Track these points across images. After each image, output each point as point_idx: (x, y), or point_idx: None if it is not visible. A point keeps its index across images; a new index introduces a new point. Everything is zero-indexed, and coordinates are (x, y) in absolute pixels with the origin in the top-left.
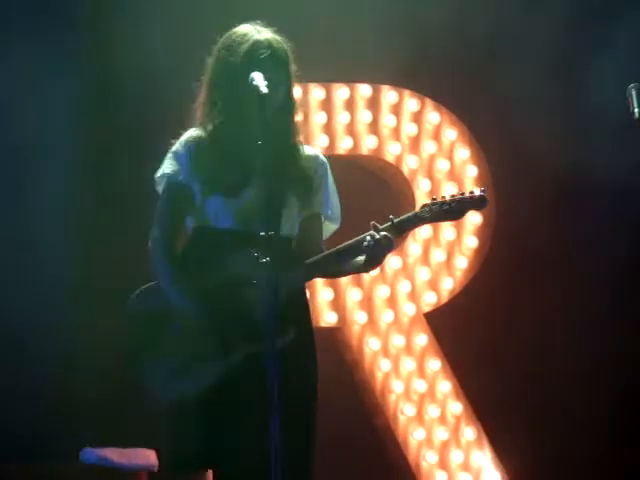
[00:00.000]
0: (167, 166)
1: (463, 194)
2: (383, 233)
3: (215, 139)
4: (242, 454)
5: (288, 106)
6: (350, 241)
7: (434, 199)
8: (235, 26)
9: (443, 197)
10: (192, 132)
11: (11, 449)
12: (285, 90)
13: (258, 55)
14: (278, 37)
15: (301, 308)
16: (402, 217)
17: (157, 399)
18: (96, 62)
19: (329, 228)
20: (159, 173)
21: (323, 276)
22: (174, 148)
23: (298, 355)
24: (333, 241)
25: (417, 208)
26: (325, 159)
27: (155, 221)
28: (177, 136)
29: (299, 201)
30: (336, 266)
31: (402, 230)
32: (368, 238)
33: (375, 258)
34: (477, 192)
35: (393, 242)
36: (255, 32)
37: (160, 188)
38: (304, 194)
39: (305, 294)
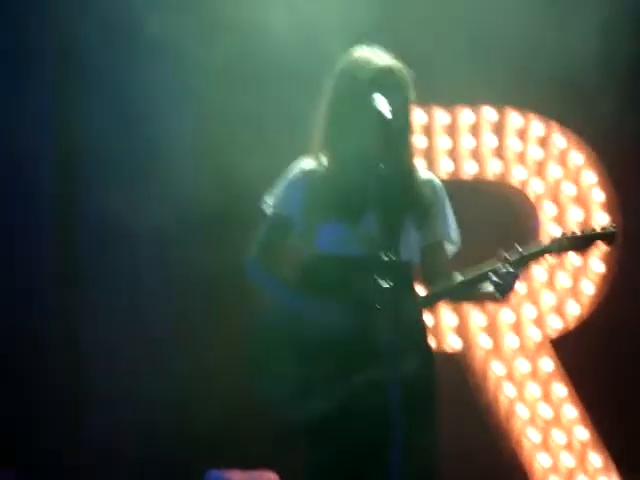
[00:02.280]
0: (276, 195)
1: (594, 229)
2: (505, 269)
3: (331, 167)
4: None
5: (406, 131)
6: (477, 272)
7: (564, 233)
8: (351, 50)
9: (573, 232)
10: (307, 163)
11: (137, 473)
12: (405, 115)
13: (382, 81)
14: (399, 63)
15: (421, 333)
16: (531, 250)
17: (281, 420)
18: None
19: (450, 250)
20: (267, 200)
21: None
22: (287, 178)
23: (419, 381)
24: (459, 267)
25: (546, 241)
26: (440, 182)
27: (255, 243)
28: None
29: (417, 227)
30: (458, 295)
31: (529, 261)
32: (493, 272)
33: (502, 289)
34: (608, 227)
35: (519, 276)
36: (377, 58)
37: (266, 210)
38: (422, 220)
39: (424, 320)
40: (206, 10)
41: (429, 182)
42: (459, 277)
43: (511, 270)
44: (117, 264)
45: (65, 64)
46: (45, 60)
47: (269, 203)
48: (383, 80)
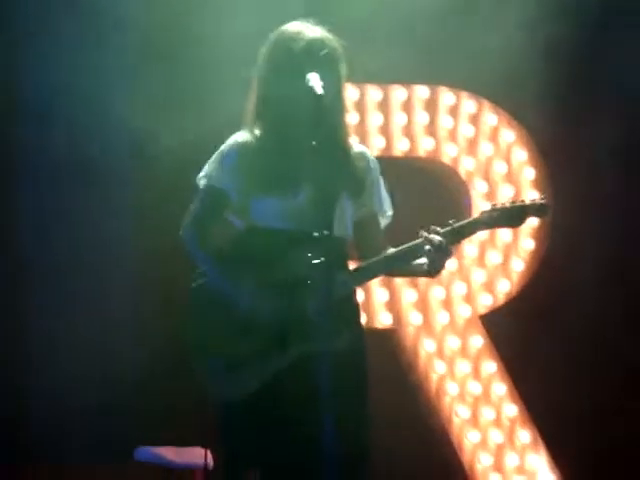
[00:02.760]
0: (209, 169)
1: (523, 201)
2: (439, 238)
3: (265, 141)
4: (291, 452)
5: (339, 105)
6: (408, 244)
7: (494, 205)
8: (284, 24)
9: (503, 204)
10: (239, 136)
11: (65, 448)
12: (337, 89)
13: (313, 53)
14: (331, 36)
15: (353, 310)
16: (462, 222)
17: (212, 396)
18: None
19: (382, 223)
20: (202, 173)
21: (379, 276)
22: (220, 151)
23: (349, 357)
24: (391, 242)
25: (476, 214)
26: (372, 155)
27: (189, 217)
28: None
29: (352, 201)
30: (391, 269)
31: (461, 235)
32: (426, 243)
33: (434, 262)
34: (538, 199)
35: (452, 248)
36: (309, 30)
37: (199, 184)
38: (356, 193)
39: (356, 296)
40: None
41: (362, 155)
42: (392, 250)
43: (442, 240)
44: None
45: None
46: None
47: (203, 177)
48: (315, 52)
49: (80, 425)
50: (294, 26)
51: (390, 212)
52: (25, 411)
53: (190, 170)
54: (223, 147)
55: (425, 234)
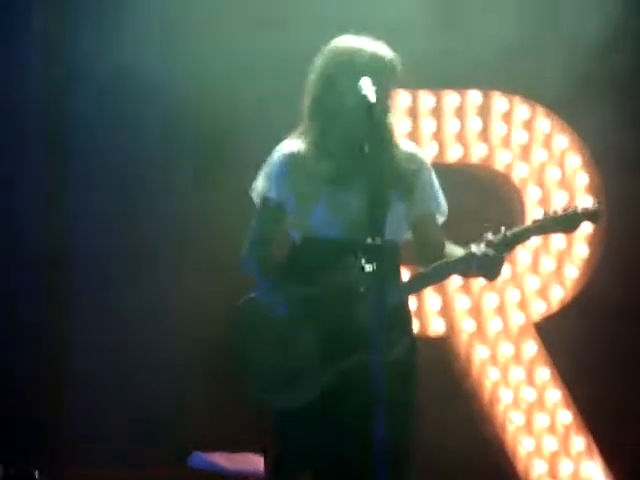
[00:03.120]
0: (260, 182)
1: (576, 208)
2: (492, 251)
3: (317, 147)
4: (343, 460)
5: (388, 110)
6: (462, 253)
7: (546, 213)
8: (335, 36)
9: (555, 211)
10: (289, 144)
11: (119, 454)
12: (387, 97)
13: (375, 62)
14: (383, 46)
15: (405, 318)
16: (514, 230)
17: (265, 406)
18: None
19: (439, 220)
20: (253, 187)
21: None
22: (269, 162)
23: (401, 366)
24: None
25: (529, 221)
26: (423, 154)
27: (248, 241)
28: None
29: (404, 203)
30: (443, 278)
31: (513, 243)
32: (478, 252)
33: (487, 271)
34: (591, 205)
35: (503, 258)
36: (361, 41)
37: (255, 200)
38: (408, 195)
39: (408, 304)
40: None
41: (413, 155)
42: (452, 247)
43: (493, 252)
44: None
45: None
46: None
47: (256, 191)
48: (371, 64)
49: (128, 428)
50: (346, 38)
51: (445, 210)
52: (72, 412)
53: None
54: (274, 157)
55: (474, 248)
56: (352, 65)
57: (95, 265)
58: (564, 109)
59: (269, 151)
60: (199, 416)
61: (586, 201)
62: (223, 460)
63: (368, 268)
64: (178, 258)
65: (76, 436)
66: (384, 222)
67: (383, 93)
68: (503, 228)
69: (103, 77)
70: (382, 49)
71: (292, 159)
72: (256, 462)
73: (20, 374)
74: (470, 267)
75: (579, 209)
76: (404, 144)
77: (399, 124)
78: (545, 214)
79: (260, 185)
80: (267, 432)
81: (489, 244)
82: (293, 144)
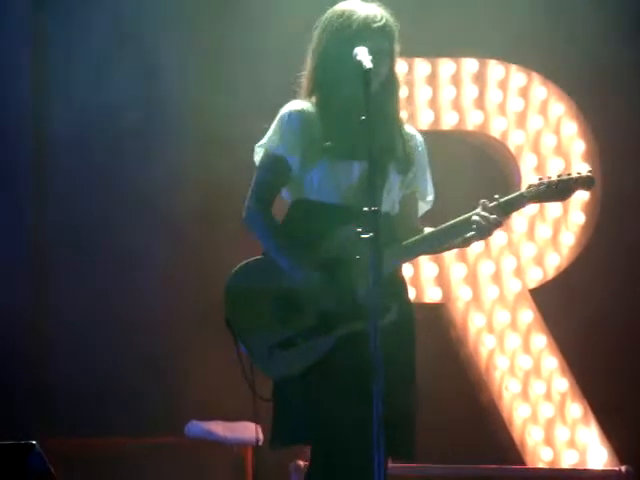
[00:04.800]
0: (268, 137)
1: (570, 174)
2: (493, 215)
3: (321, 110)
4: (342, 428)
5: (392, 81)
6: (457, 219)
7: (541, 179)
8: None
9: (549, 177)
10: (296, 103)
11: (113, 422)
12: (391, 64)
13: (370, 26)
14: (386, 10)
15: (401, 286)
16: (508, 197)
17: (262, 373)
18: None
19: (422, 208)
20: (259, 143)
21: (426, 253)
22: (276, 119)
23: (398, 330)
24: (438, 216)
25: (523, 188)
26: (422, 139)
27: (250, 192)
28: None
29: (400, 178)
30: (441, 244)
31: (508, 210)
32: (477, 218)
33: (482, 236)
34: (584, 172)
35: (502, 222)
36: (365, 5)
37: (257, 158)
38: (405, 172)
39: (402, 271)
40: None
41: (412, 137)
42: (442, 226)
43: (491, 217)
44: None
45: None
46: None
47: (263, 145)
48: (370, 26)
49: (124, 398)
50: (349, 2)
51: (431, 199)
52: (66, 384)
53: None
54: (282, 114)
55: (474, 214)
56: (356, 29)
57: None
58: (559, 76)
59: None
60: (196, 384)
61: (581, 168)
62: (220, 429)
63: (364, 235)
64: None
65: (67, 405)
66: (382, 192)
67: (386, 60)
68: (497, 195)
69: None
70: (385, 15)
71: (301, 118)
72: (253, 430)
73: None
74: (468, 230)
75: (572, 175)
76: (406, 124)
77: (403, 95)
78: (539, 180)
79: (269, 141)
80: (264, 400)
81: (484, 209)
82: (300, 104)
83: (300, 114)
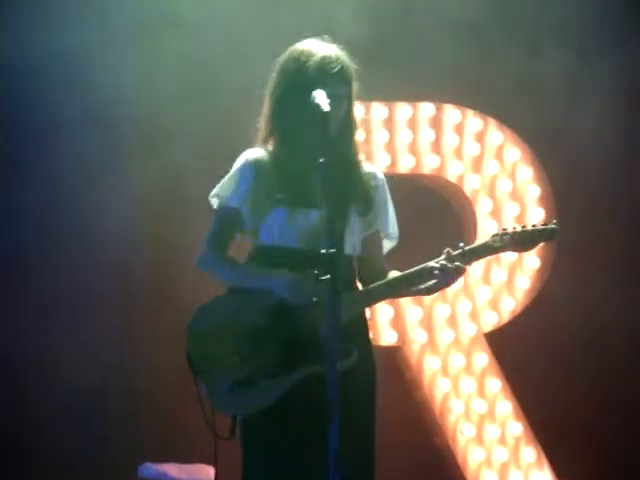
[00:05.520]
0: (221, 187)
1: (535, 226)
2: (457, 264)
3: (278, 157)
4: (298, 470)
5: (350, 124)
6: (419, 267)
7: (505, 229)
8: (297, 42)
9: (514, 228)
10: (252, 152)
11: (68, 465)
12: (348, 107)
13: (327, 70)
14: (344, 53)
15: (363, 329)
16: (473, 246)
17: (219, 413)
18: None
19: (387, 246)
20: (213, 192)
21: (390, 297)
22: (233, 169)
23: (359, 374)
24: (396, 259)
25: (487, 237)
26: (383, 176)
27: (205, 241)
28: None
29: (361, 219)
30: (402, 291)
31: (472, 259)
32: (441, 266)
33: (446, 284)
34: (549, 225)
35: (464, 270)
36: (322, 47)
37: (213, 205)
38: (366, 212)
39: (365, 314)
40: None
41: (372, 175)
42: (403, 273)
43: (454, 266)
44: None
45: None
46: None
47: (215, 195)
48: (327, 69)
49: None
50: (307, 43)
51: (396, 235)
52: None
53: None
54: (236, 165)
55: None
56: (312, 72)
57: None
58: (515, 121)
59: None
60: (150, 426)
61: (538, 215)
62: (175, 471)
63: (324, 278)
64: None
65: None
66: (343, 235)
67: (344, 103)
68: (461, 244)
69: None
70: (343, 57)
71: (256, 168)
72: (208, 473)
73: None
74: (430, 278)
75: (538, 227)
76: (365, 163)
77: (360, 137)
78: (503, 230)
79: (221, 192)
80: (223, 439)
81: (448, 258)
82: (256, 152)
83: (255, 164)
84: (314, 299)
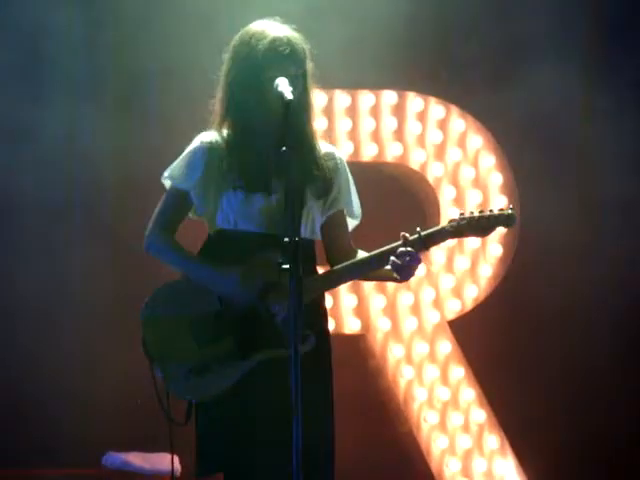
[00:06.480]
0: (174, 169)
1: (492, 211)
2: (409, 249)
3: (234, 141)
4: (256, 456)
5: (305, 105)
6: (377, 251)
7: (462, 214)
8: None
9: (471, 213)
10: (206, 135)
11: (31, 454)
12: (302, 89)
13: (278, 52)
14: (296, 34)
15: (320, 313)
16: (429, 230)
17: (178, 400)
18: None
19: (351, 223)
20: (166, 173)
21: (353, 280)
22: (186, 152)
23: (314, 359)
24: (359, 246)
25: (445, 223)
26: (341, 155)
27: (152, 221)
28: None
29: (320, 202)
30: (360, 275)
31: (428, 243)
32: (393, 252)
33: (402, 270)
34: (506, 210)
35: (418, 257)
36: (273, 28)
37: (165, 185)
38: (325, 194)
39: (324, 301)
40: None
41: (330, 155)
42: (362, 254)
43: (410, 250)
44: None
45: None
46: None
47: (167, 177)
48: (276, 56)
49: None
50: (258, 25)
51: (359, 213)
52: None
53: None
54: (190, 147)
55: (398, 245)
56: (264, 54)
57: None
58: (478, 109)
59: None
60: (113, 415)
61: (500, 203)
62: (138, 460)
63: (285, 265)
64: None
65: None
66: (300, 219)
67: (298, 85)
68: (418, 228)
69: None
70: (295, 38)
71: (209, 152)
72: (170, 461)
73: None
74: (385, 264)
75: (494, 212)
76: (322, 144)
77: (318, 123)
78: (460, 215)
79: (174, 173)
80: (179, 425)
81: (405, 243)
82: (210, 135)
83: (208, 147)
84: (276, 286)
